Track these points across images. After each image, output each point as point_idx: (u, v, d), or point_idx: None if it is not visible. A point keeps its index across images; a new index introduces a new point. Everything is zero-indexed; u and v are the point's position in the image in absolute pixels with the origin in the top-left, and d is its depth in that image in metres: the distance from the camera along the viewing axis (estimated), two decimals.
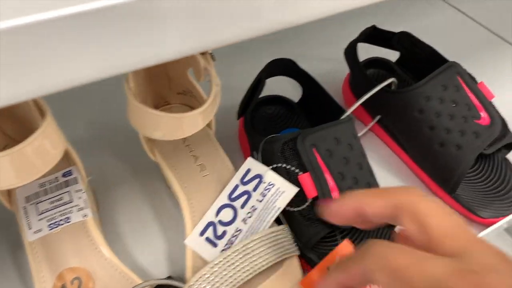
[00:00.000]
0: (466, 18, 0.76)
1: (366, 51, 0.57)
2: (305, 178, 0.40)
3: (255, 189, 0.40)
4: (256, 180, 0.41)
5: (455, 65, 0.49)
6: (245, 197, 0.41)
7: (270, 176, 0.41)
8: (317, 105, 0.51)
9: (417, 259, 0.24)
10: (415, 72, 0.56)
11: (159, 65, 0.22)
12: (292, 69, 0.49)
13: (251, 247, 0.37)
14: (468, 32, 0.73)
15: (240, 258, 0.36)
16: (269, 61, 0.47)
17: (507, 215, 0.46)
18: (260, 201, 0.40)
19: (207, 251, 0.39)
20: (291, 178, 0.41)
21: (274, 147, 0.42)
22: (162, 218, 0.46)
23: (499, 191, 0.48)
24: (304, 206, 0.40)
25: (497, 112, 0.50)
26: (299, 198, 0.40)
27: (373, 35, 0.55)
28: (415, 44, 0.54)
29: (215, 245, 0.39)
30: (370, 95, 0.48)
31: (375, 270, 0.25)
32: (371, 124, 0.53)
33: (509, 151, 0.52)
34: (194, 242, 0.40)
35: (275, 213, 0.39)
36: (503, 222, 0.45)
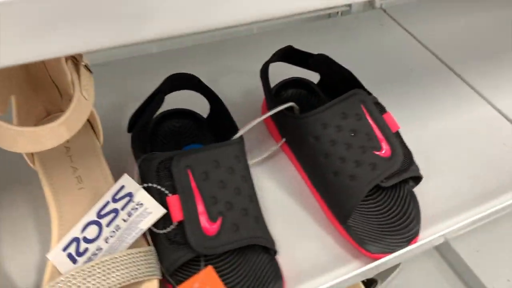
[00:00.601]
0: (415, 41, 0.74)
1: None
2: (173, 201, 0.39)
3: (123, 207, 0.39)
4: (127, 199, 0.40)
5: (359, 93, 0.48)
6: (112, 215, 0.40)
7: (141, 195, 0.40)
8: (220, 122, 0.50)
9: None
10: (335, 95, 0.55)
11: (42, 73, 0.21)
12: (196, 85, 0.48)
13: (105, 265, 0.36)
14: (414, 55, 0.72)
15: (89, 276, 0.35)
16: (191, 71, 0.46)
17: (396, 250, 0.45)
18: (125, 221, 0.39)
19: (66, 267, 0.38)
20: (162, 199, 0.40)
21: (150, 166, 0.41)
22: (41, 228, 0.45)
23: (397, 225, 0.47)
24: (169, 229, 0.39)
25: (401, 144, 0.48)
26: (167, 220, 0.39)
27: (290, 56, 0.54)
28: (331, 67, 0.53)
29: (75, 261, 0.38)
30: (275, 117, 0.47)
31: None
32: (276, 147, 0.52)
33: (416, 184, 0.50)
34: (56, 256, 0.39)
35: (136, 234, 0.38)
36: (389, 258, 0.44)
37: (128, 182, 0.40)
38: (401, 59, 0.70)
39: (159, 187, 0.40)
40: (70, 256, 0.39)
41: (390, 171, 0.46)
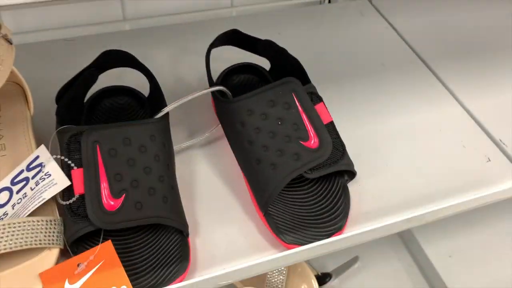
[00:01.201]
0: (395, 33, 0.72)
1: None
2: (77, 174, 0.40)
3: (34, 176, 0.41)
4: (38, 168, 0.41)
5: (292, 81, 0.47)
6: (23, 183, 0.41)
7: (51, 166, 0.41)
8: (155, 102, 0.50)
9: None
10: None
11: None
12: (131, 63, 0.49)
13: (4, 228, 0.38)
14: (390, 47, 0.70)
15: None
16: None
17: (311, 242, 0.44)
18: (32, 189, 0.40)
19: None
20: (69, 172, 0.41)
21: (63, 138, 0.42)
22: None
23: (322, 217, 0.46)
24: (70, 201, 0.40)
25: (332, 136, 0.47)
26: (71, 192, 0.40)
27: (236, 40, 0.53)
28: (280, 53, 0.52)
29: None
30: (215, 102, 0.46)
31: None
32: (211, 130, 0.52)
33: (351, 179, 0.49)
34: None
35: (38, 203, 0.39)
36: (301, 249, 0.43)
37: (43, 153, 0.42)
38: (375, 51, 0.68)
39: (66, 159, 0.41)
40: None
41: (316, 162, 0.45)
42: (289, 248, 0.44)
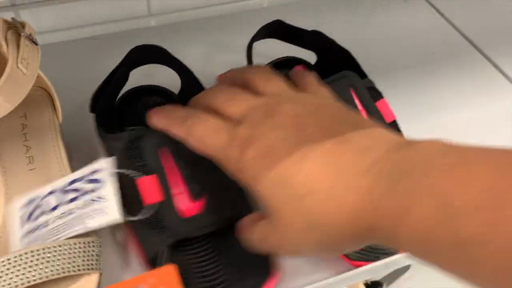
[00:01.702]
0: (442, 19, 0.66)
1: None
2: (145, 182, 0.36)
3: (87, 193, 0.36)
4: (95, 185, 0.36)
5: (349, 76, 0.42)
6: (78, 193, 0.36)
7: (108, 190, 0.35)
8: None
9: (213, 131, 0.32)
10: (329, 75, 0.48)
11: None
12: (165, 58, 0.44)
13: (34, 255, 0.33)
14: (440, 35, 0.64)
15: (14, 266, 0.33)
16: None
17: (375, 260, 0.39)
18: (80, 209, 0.35)
19: (14, 226, 0.36)
20: (131, 181, 0.36)
21: (118, 146, 0.37)
22: None
23: None
24: (147, 215, 0.35)
25: (399, 132, 0.42)
26: (137, 204, 0.36)
27: (280, 32, 0.48)
28: (327, 45, 0.47)
29: (22, 225, 0.36)
30: None
31: (187, 136, 0.33)
32: None
33: None
34: (13, 209, 0.37)
35: (80, 229, 0.35)
36: (371, 266, 0.38)
37: (107, 167, 0.36)
38: (424, 39, 0.62)
39: (129, 172, 0.36)
40: (22, 217, 0.37)
41: None
42: (354, 265, 0.39)
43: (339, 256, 0.39)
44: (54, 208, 0.36)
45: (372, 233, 0.26)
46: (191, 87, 0.44)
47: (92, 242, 0.36)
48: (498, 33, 0.64)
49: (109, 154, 0.39)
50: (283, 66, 0.52)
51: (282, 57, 0.51)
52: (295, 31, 0.47)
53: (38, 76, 0.39)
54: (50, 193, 0.37)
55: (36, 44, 0.36)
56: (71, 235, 0.35)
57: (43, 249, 0.33)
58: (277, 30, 0.47)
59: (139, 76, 0.49)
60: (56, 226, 0.35)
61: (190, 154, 0.34)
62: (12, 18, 0.37)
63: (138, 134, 0.37)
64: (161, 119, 0.36)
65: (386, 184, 0.25)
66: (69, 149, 0.46)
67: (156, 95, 0.48)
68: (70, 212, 0.36)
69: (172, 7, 0.67)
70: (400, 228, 0.24)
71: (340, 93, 0.41)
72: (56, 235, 0.35)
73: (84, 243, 0.35)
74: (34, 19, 0.62)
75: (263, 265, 0.37)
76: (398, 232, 0.24)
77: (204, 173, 0.37)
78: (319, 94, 0.36)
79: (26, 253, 0.33)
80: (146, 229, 0.36)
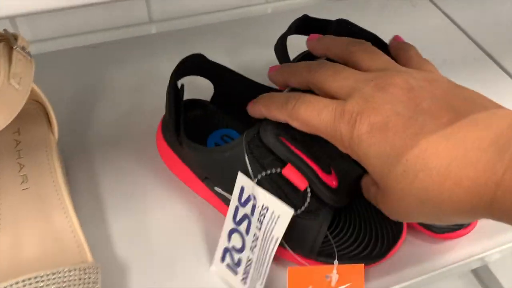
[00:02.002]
0: (453, 25, 0.64)
1: None
2: (291, 171, 0.35)
3: (252, 212, 0.35)
4: (251, 202, 0.35)
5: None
6: (246, 221, 0.35)
7: (261, 196, 0.34)
8: (237, 96, 0.43)
9: (318, 110, 0.31)
10: None
11: None
12: (202, 66, 0.42)
13: (30, 284, 0.31)
14: (451, 43, 0.62)
15: None
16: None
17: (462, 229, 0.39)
18: (259, 229, 0.34)
19: (230, 278, 0.37)
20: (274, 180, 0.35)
21: (238, 152, 0.35)
22: None
23: None
24: (306, 204, 0.35)
25: None
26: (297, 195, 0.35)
27: (305, 26, 0.47)
28: (354, 31, 0.46)
29: (235, 272, 0.36)
30: None
31: (291, 119, 0.33)
32: None
33: None
34: (218, 268, 0.38)
35: (274, 244, 0.33)
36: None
37: (245, 182, 0.35)
38: (434, 46, 0.60)
39: (268, 171, 0.35)
40: (229, 267, 0.37)
41: None
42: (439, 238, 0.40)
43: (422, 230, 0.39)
44: (243, 245, 0.36)
45: (490, 209, 0.25)
46: (230, 86, 0.44)
47: (88, 268, 0.33)
48: (508, 38, 0.62)
49: (211, 167, 0.38)
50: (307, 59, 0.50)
51: (304, 52, 0.49)
52: (319, 22, 0.47)
53: (32, 90, 0.37)
54: (230, 235, 0.36)
55: (30, 57, 0.34)
56: (273, 253, 0.34)
57: (36, 277, 0.31)
58: (305, 25, 0.47)
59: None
60: (257, 257, 0.35)
61: (302, 134, 0.34)
62: (4, 30, 0.35)
63: (253, 133, 0.36)
64: (262, 107, 0.35)
65: (510, 159, 0.25)
66: (66, 164, 0.44)
67: (192, 108, 0.47)
68: (256, 238, 0.35)
69: (173, 14, 0.65)
70: None
71: None
72: (263, 263, 0.34)
73: (79, 270, 0.33)
74: (31, 27, 0.60)
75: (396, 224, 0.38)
76: None
77: (322, 147, 0.36)
78: (427, 69, 0.34)
79: (23, 280, 0.31)
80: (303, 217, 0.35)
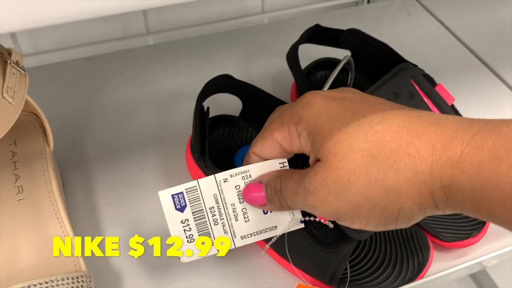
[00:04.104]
0: (448, 34, 0.64)
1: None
2: None
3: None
4: None
5: (408, 67, 0.41)
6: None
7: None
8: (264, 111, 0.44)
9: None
10: (368, 71, 0.50)
11: None
12: (229, 84, 0.43)
13: None
14: (447, 49, 0.62)
15: None
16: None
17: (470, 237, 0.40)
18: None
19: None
20: None
21: None
22: None
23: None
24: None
25: (458, 115, 0.42)
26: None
27: (317, 35, 0.48)
28: (365, 41, 0.47)
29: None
30: None
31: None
32: None
33: None
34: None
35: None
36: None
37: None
38: (429, 55, 0.61)
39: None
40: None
41: None
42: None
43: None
44: None
45: (448, 195, 0.24)
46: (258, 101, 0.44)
47: (82, 277, 0.34)
48: (503, 45, 0.62)
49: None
50: (313, 70, 0.53)
51: (317, 60, 0.52)
52: (332, 33, 0.48)
53: (27, 102, 0.38)
54: None
55: (24, 71, 0.35)
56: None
57: (29, 286, 0.32)
58: (314, 33, 0.48)
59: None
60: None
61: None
62: None
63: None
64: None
65: (465, 138, 0.24)
66: (63, 175, 0.45)
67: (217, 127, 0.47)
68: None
69: (170, 25, 0.66)
70: (490, 183, 0.22)
71: (403, 85, 0.40)
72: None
73: (73, 278, 0.33)
74: (31, 39, 0.61)
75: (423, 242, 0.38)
76: (488, 188, 0.23)
77: None
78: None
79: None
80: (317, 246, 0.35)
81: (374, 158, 0.25)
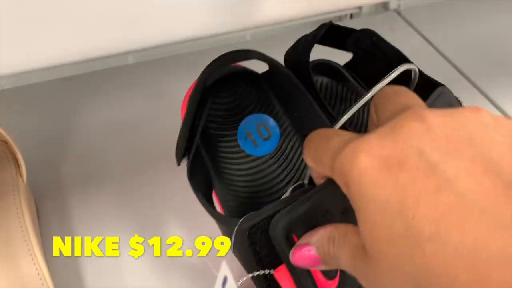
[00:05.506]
0: (432, 49, 0.64)
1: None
2: (282, 275, 0.29)
3: None
4: None
5: (445, 92, 0.37)
6: None
7: None
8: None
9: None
10: (366, 78, 0.46)
11: None
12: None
13: None
14: (429, 66, 0.61)
15: None
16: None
17: None
18: None
19: None
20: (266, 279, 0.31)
21: (241, 235, 0.30)
22: None
23: None
24: None
25: None
26: None
27: (327, 34, 0.43)
28: (377, 45, 0.43)
29: None
30: None
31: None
32: None
33: None
34: None
35: None
36: None
37: (229, 273, 0.30)
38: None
39: (266, 271, 0.30)
40: None
41: None
42: None
43: None
44: None
45: None
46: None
47: None
48: (486, 60, 0.62)
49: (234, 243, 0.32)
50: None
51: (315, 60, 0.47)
52: (342, 31, 0.44)
53: None
54: None
55: None
56: None
57: None
58: (325, 33, 0.43)
59: None
60: None
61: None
62: None
63: (261, 217, 0.29)
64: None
65: None
66: (38, 204, 0.43)
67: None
68: None
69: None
70: None
71: None
72: None
73: None
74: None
75: None
76: None
77: None
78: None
79: None
80: None
81: None
